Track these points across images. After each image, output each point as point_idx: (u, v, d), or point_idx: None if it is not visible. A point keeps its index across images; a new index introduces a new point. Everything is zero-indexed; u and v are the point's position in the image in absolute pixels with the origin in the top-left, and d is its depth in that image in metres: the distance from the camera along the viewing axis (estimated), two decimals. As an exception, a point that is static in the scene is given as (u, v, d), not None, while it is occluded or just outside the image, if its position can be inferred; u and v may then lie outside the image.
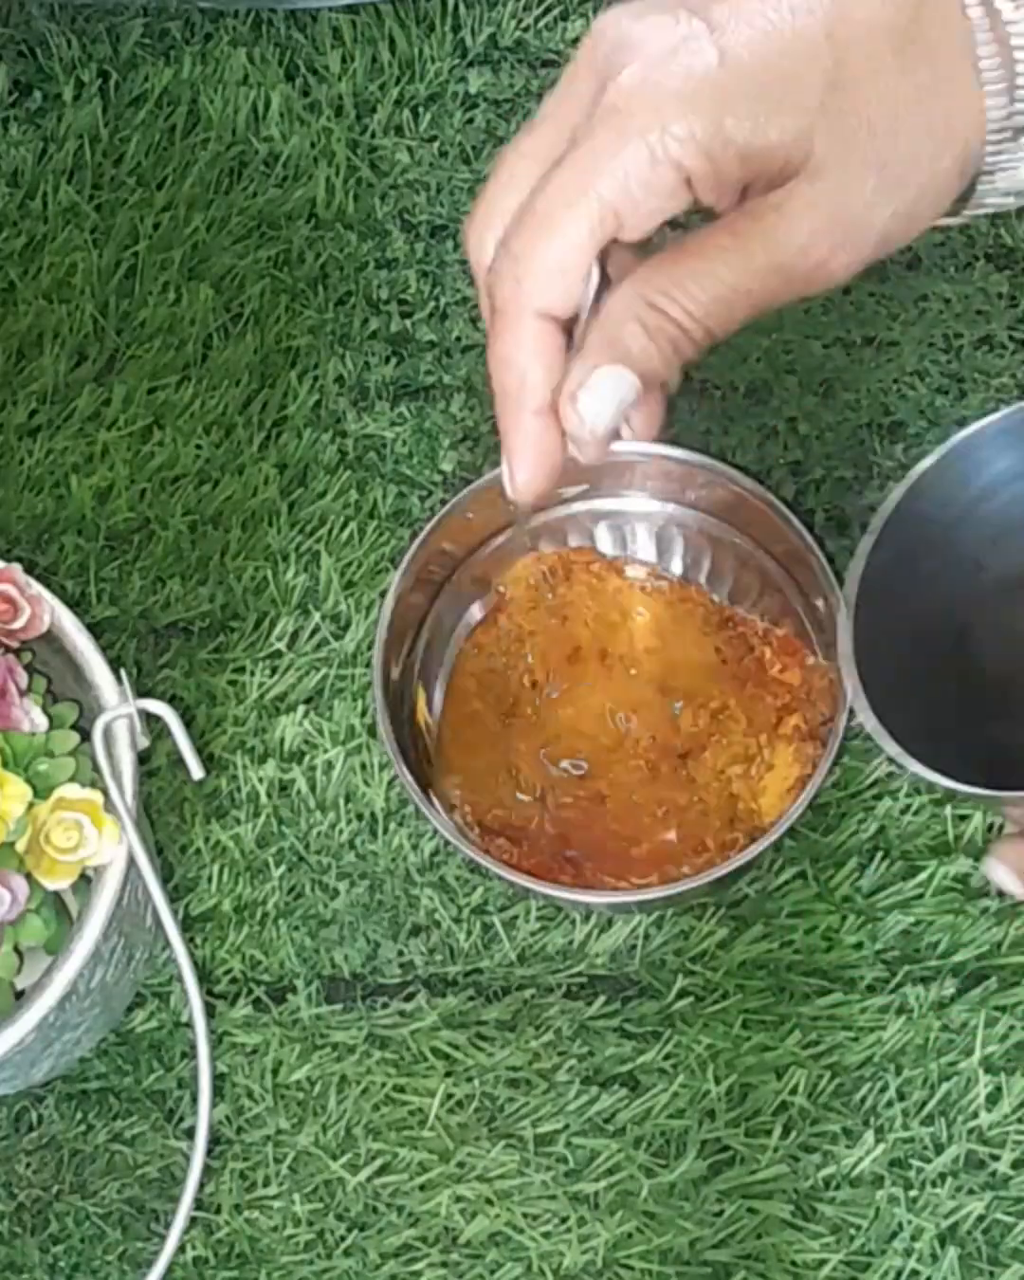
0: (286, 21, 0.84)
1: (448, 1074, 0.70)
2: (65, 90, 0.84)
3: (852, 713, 0.61)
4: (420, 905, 0.72)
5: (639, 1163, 0.69)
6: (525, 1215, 0.68)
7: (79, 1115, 0.71)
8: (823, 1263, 0.67)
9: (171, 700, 0.74)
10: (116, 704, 0.64)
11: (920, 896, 0.70)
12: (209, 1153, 0.69)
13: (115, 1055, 0.71)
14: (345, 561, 0.76)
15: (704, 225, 0.51)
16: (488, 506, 0.71)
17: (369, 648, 0.72)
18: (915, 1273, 0.67)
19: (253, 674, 0.75)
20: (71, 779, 0.63)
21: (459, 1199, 0.69)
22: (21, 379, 0.80)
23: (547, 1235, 0.68)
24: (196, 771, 0.64)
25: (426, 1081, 0.70)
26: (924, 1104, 0.69)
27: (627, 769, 0.71)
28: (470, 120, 0.83)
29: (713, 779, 0.71)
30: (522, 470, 0.55)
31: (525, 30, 0.84)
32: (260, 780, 0.74)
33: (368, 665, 0.73)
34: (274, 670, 0.75)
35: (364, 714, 0.74)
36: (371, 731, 0.74)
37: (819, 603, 0.70)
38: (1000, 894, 0.70)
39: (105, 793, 0.63)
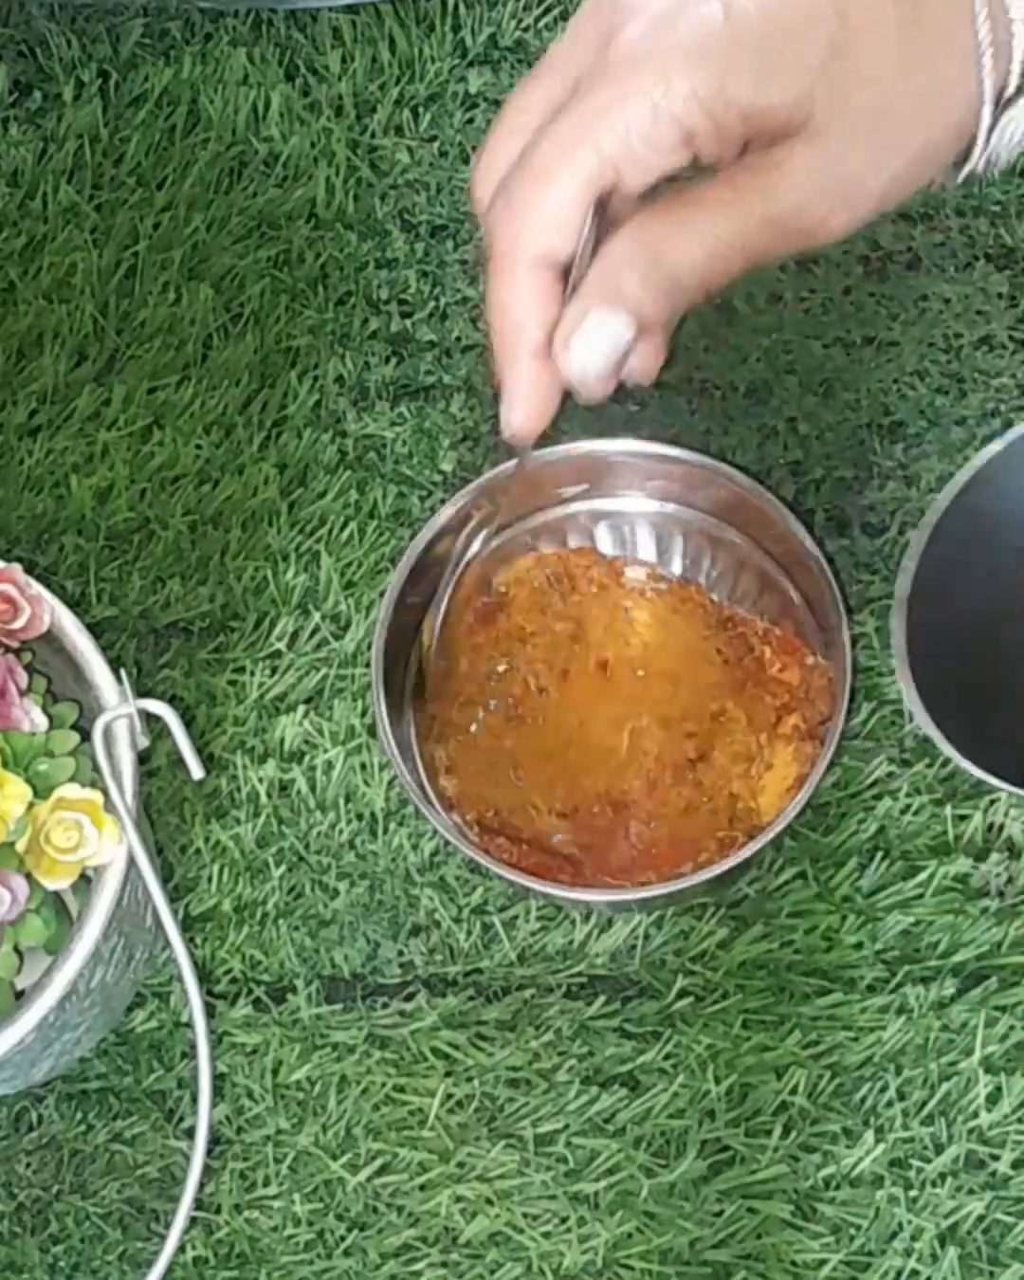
0: (286, 21, 0.84)
1: (448, 1074, 0.70)
2: (65, 90, 0.84)
3: (850, 712, 0.61)
4: (420, 905, 0.72)
5: (639, 1163, 0.69)
6: (525, 1215, 0.68)
7: (79, 1115, 0.71)
8: (823, 1263, 0.67)
9: (171, 700, 0.74)
10: (116, 704, 0.64)
11: (920, 896, 0.70)
12: (209, 1153, 0.69)
13: (115, 1055, 0.71)
14: (345, 561, 0.76)
15: (705, 177, 0.52)
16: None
17: (369, 648, 0.72)
18: (915, 1273, 0.67)
19: (253, 674, 0.75)
20: (71, 779, 0.63)
21: (459, 1199, 0.69)
22: (21, 379, 0.80)
23: (547, 1235, 0.68)
24: (196, 771, 0.64)
25: (426, 1081, 0.70)
26: (924, 1104, 0.69)
27: (631, 774, 0.71)
28: (470, 120, 0.83)
29: (718, 780, 0.71)
30: (518, 411, 0.55)
31: (525, 30, 0.84)
32: (260, 780, 0.74)
33: (368, 665, 0.73)
34: (274, 670, 0.75)
35: (364, 714, 0.74)
36: (371, 731, 0.74)
37: (816, 602, 0.71)
38: (1001, 893, 0.70)
39: (105, 793, 0.63)
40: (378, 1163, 0.70)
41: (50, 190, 0.82)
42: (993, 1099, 0.68)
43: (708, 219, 0.52)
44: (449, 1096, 0.70)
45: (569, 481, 0.73)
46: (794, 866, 0.71)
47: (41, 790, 0.62)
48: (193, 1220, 0.69)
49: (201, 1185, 0.69)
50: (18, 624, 0.64)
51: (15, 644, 0.65)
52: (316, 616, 0.76)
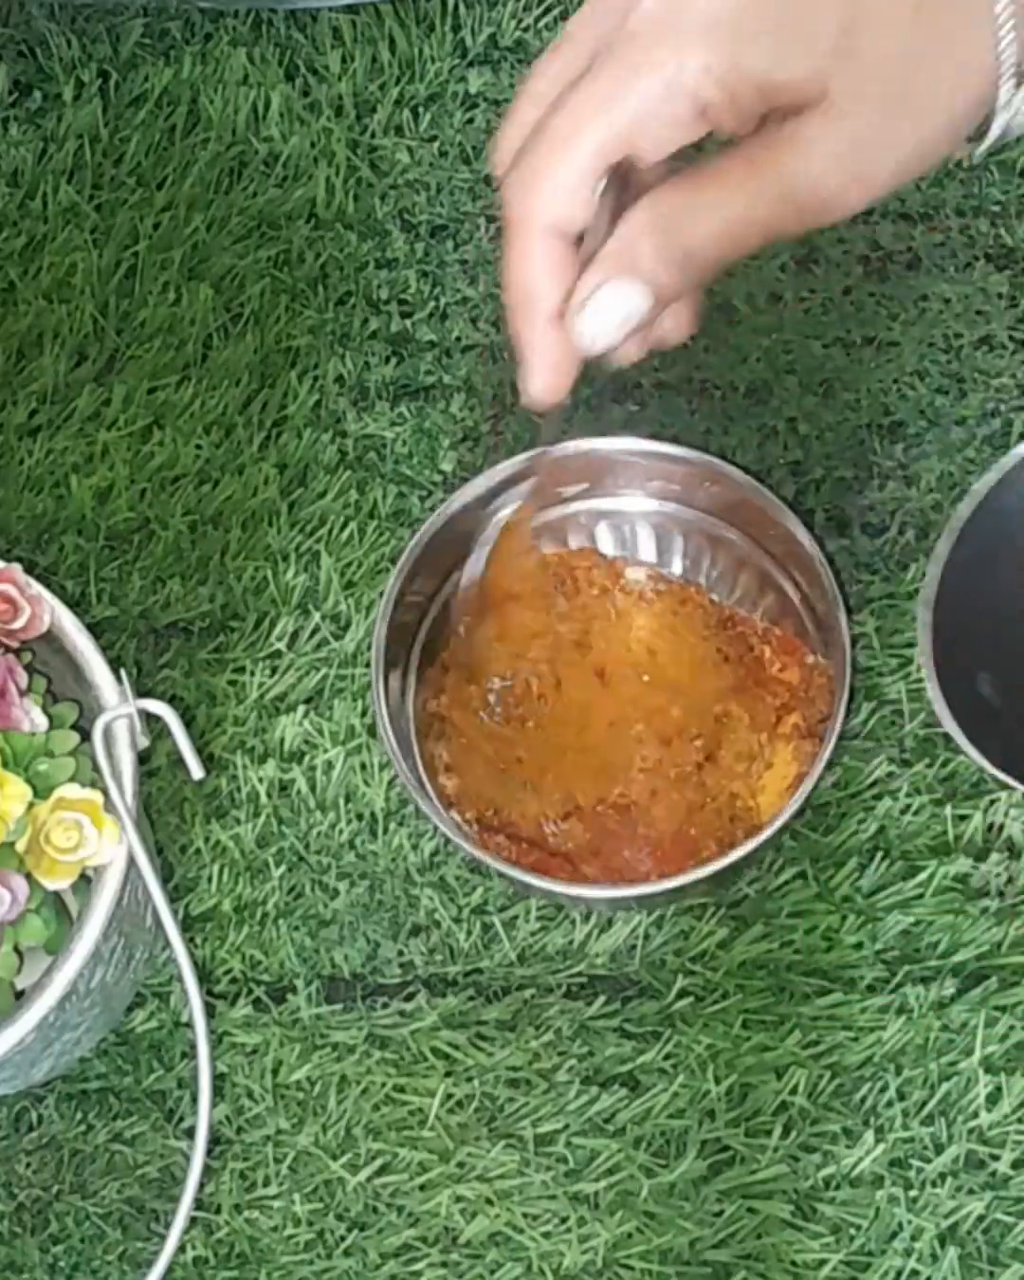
0: (286, 21, 0.84)
1: (448, 1074, 0.70)
2: (65, 90, 0.84)
3: (850, 712, 0.61)
4: (420, 905, 0.72)
5: (639, 1163, 0.69)
6: (525, 1215, 0.68)
7: (79, 1115, 0.71)
8: (823, 1263, 0.67)
9: (171, 700, 0.74)
10: (116, 704, 0.64)
11: (920, 896, 0.70)
12: (209, 1153, 0.69)
13: (115, 1055, 0.71)
14: (345, 561, 0.76)
15: (722, 150, 0.52)
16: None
17: (369, 648, 0.72)
18: (915, 1273, 0.67)
19: (253, 674, 0.75)
20: (71, 779, 0.63)
21: (459, 1199, 0.69)
22: (21, 379, 0.80)
23: (547, 1235, 0.68)
24: (196, 771, 0.64)
25: (426, 1081, 0.70)
26: (924, 1104, 0.69)
27: (632, 775, 0.71)
28: (470, 120, 0.83)
29: (720, 781, 0.71)
30: (535, 378, 0.56)
31: (525, 30, 0.84)
32: (260, 780, 0.74)
33: (368, 665, 0.73)
34: (274, 670, 0.75)
35: (364, 714, 0.74)
36: (371, 731, 0.74)
37: (818, 603, 0.71)
38: (1001, 893, 0.70)
39: (105, 793, 0.63)
40: (378, 1163, 0.70)
41: (50, 190, 0.82)
42: (993, 1099, 0.68)
43: (724, 192, 0.52)
44: (449, 1096, 0.70)
45: (569, 481, 0.73)
46: (794, 866, 0.71)
47: (41, 790, 0.62)
48: (193, 1220, 0.69)
49: (201, 1185, 0.69)
50: (18, 624, 0.64)
51: (15, 644, 0.65)
52: (316, 616, 0.76)
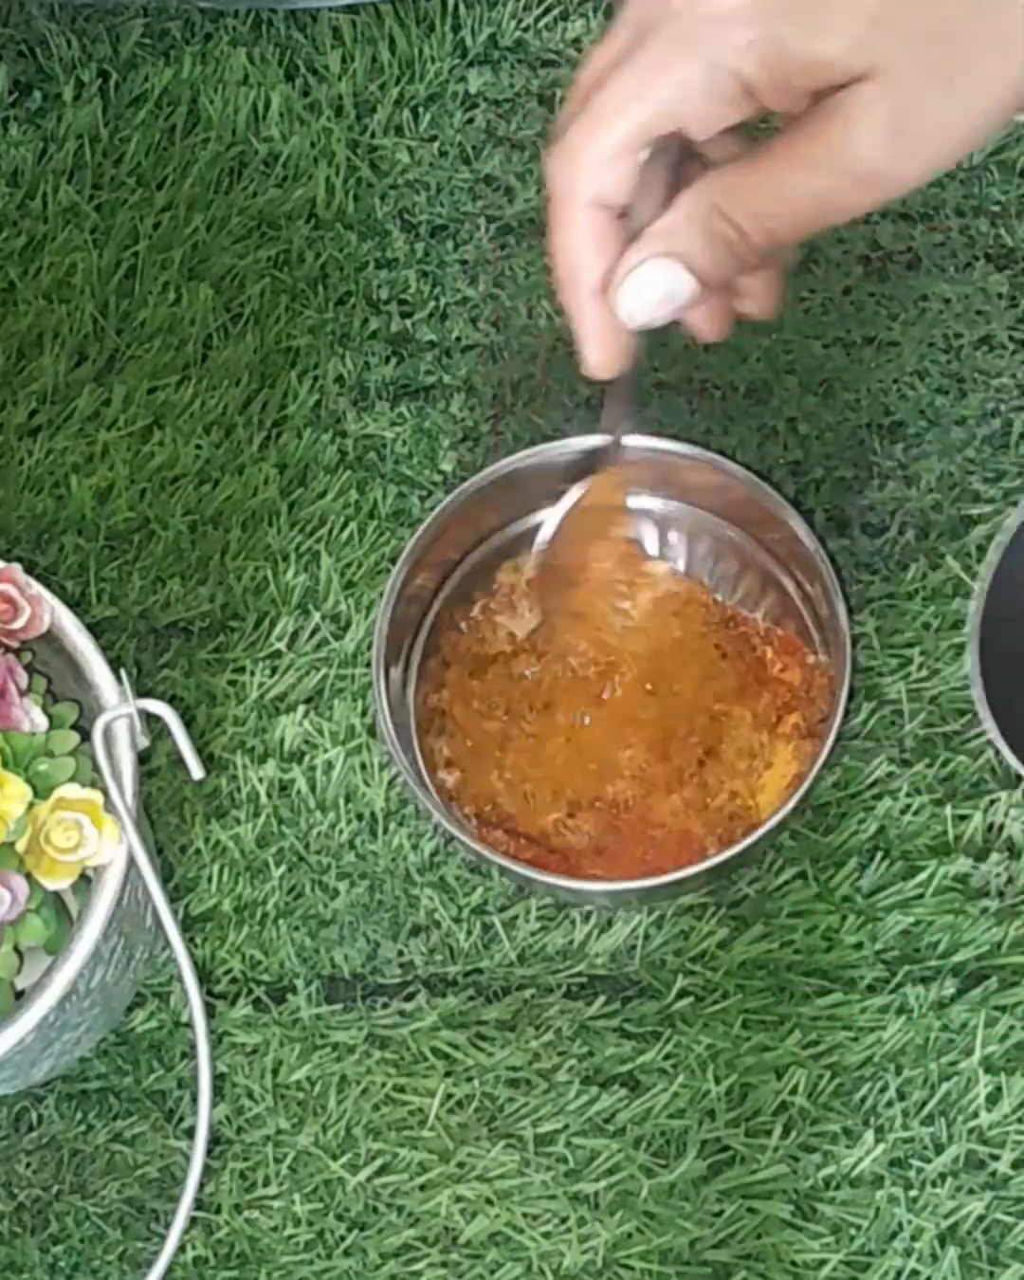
0: (286, 21, 0.84)
1: (448, 1074, 0.70)
2: (65, 90, 0.84)
3: (851, 712, 0.61)
4: (420, 905, 0.72)
5: (639, 1163, 0.69)
6: (525, 1215, 0.68)
7: (79, 1115, 0.71)
8: (823, 1263, 0.67)
9: (171, 700, 0.74)
10: (116, 704, 0.64)
11: (920, 896, 0.70)
12: (209, 1153, 0.69)
13: (115, 1055, 0.71)
14: (345, 561, 0.76)
15: (774, 133, 0.53)
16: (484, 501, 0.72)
17: (369, 648, 0.72)
18: (915, 1273, 0.67)
19: (253, 674, 0.75)
20: (71, 779, 0.63)
21: (459, 1199, 0.69)
22: (21, 379, 0.80)
23: (547, 1235, 0.68)
24: (196, 771, 0.64)
25: (426, 1081, 0.70)
26: (924, 1104, 0.69)
27: (633, 773, 0.71)
28: (470, 120, 0.83)
29: (720, 780, 0.71)
30: (591, 350, 0.57)
31: (525, 30, 0.84)
32: (260, 780, 0.74)
33: (368, 665, 0.73)
34: (274, 670, 0.75)
35: (364, 714, 0.74)
36: (371, 731, 0.74)
37: (818, 601, 0.71)
38: (1001, 893, 0.70)
39: (105, 793, 0.63)
40: (378, 1163, 0.70)
41: (50, 190, 0.82)
42: (993, 1099, 0.68)
43: (773, 169, 0.52)
44: (449, 1096, 0.70)
45: (571, 480, 0.73)
46: (794, 866, 0.71)
47: (41, 790, 0.62)
48: (193, 1220, 0.69)
49: (201, 1185, 0.69)
50: (18, 624, 0.64)
51: (15, 644, 0.65)
52: (316, 616, 0.76)
